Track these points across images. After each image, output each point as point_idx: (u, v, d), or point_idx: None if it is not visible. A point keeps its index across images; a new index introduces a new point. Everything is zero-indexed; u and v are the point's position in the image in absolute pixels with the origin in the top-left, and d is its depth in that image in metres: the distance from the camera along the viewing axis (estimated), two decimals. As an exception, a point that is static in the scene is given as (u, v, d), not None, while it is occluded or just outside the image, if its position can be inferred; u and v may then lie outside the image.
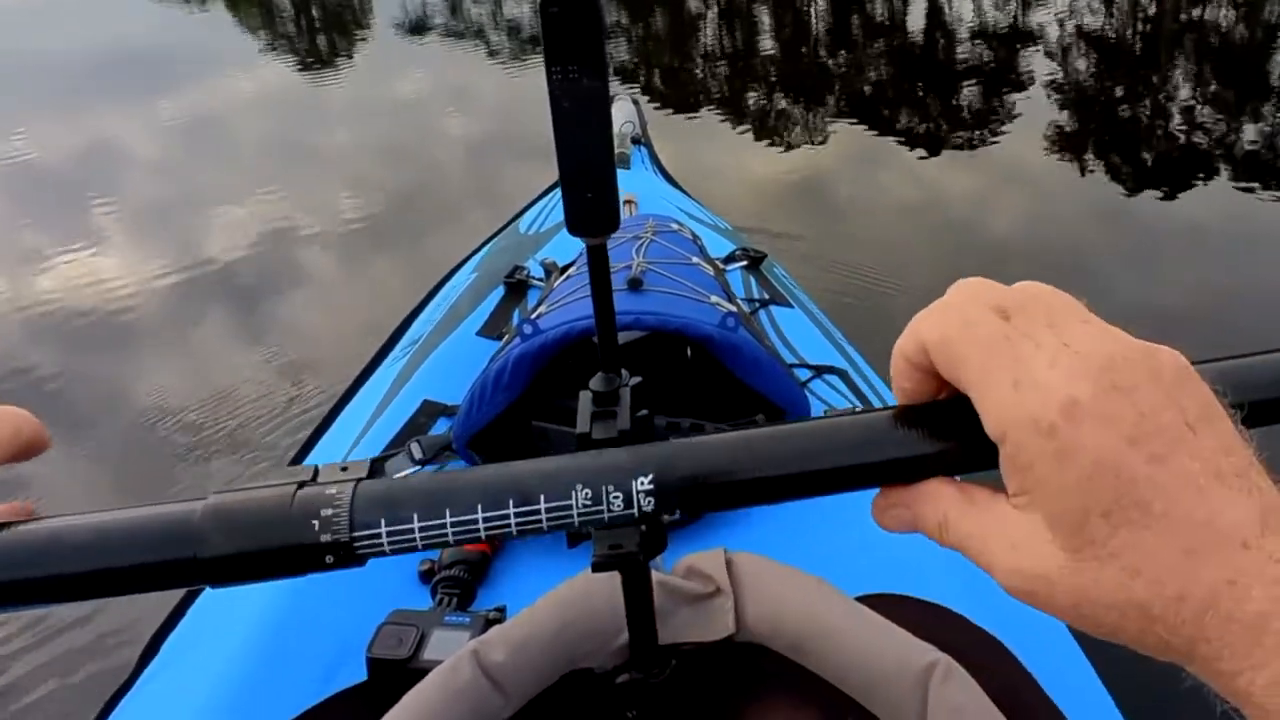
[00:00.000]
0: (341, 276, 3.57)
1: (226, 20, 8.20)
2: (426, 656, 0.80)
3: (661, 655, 0.62)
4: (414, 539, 0.32)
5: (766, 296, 1.67)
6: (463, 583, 0.97)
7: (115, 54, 6.59)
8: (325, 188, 4.29)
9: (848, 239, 3.61)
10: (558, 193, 2.33)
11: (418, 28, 7.29)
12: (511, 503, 0.32)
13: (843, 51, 6.54)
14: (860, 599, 0.68)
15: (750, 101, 5.51)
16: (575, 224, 0.43)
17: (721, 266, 1.65)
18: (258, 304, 3.32)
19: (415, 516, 0.32)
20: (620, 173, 2.26)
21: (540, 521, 0.33)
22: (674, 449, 0.33)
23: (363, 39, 7.51)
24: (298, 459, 1.40)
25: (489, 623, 0.84)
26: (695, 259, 1.43)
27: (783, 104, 5.38)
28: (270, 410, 2.68)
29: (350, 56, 6.96)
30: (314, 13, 8.28)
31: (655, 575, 0.71)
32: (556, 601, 0.69)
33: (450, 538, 0.32)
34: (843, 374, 1.44)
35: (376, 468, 1.09)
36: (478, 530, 0.32)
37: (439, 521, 0.32)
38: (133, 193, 4.41)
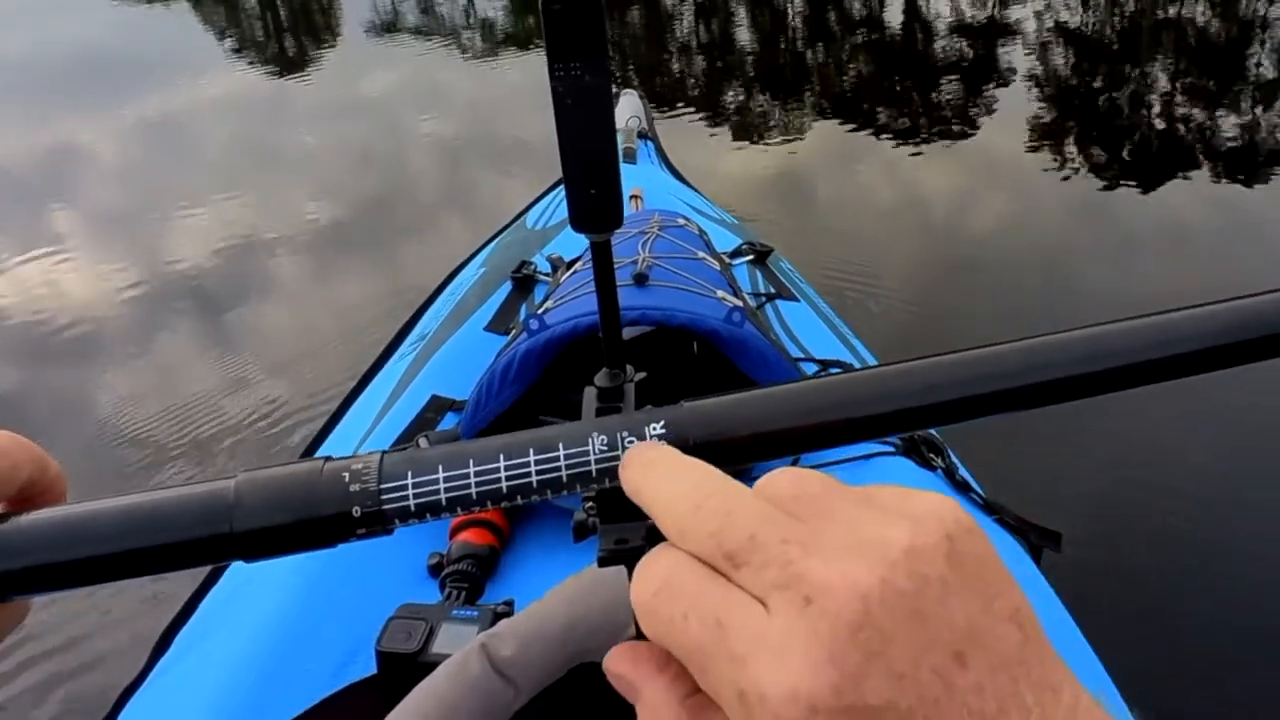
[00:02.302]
0: (309, 288, 3.51)
1: (190, 20, 8.06)
2: (435, 650, 0.81)
3: None
4: (438, 492, 0.33)
5: (773, 291, 1.67)
6: (471, 576, 0.98)
7: (76, 56, 6.48)
8: (292, 194, 4.23)
9: (824, 231, 3.62)
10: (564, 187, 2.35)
11: (388, 27, 7.17)
12: (532, 451, 0.34)
13: (820, 46, 6.52)
14: None
15: (728, 97, 5.49)
16: (579, 220, 0.43)
17: (728, 261, 1.65)
18: (221, 314, 3.28)
19: (440, 468, 0.33)
20: (627, 167, 2.27)
21: (560, 470, 0.34)
22: (684, 408, 0.35)
23: (331, 40, 7.38)
24: (307, 453, 1.42)
25: (497, 616, 0.85)
26: (701, 254, 1.43)
27: (760, 99, 5.36)
28: (234, 421, 2.66)
29: (320, 58, 6.85)
30: (281, 13, 8.14)
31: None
32: (564, 596, 0.70)
33: (473, 491, 0.33)
34: (848, 368, 1.44)
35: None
36: (499, 482, 0.33)
37: (462, 472, 0.33)
38: (95, 198, 4.35)
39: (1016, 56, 5.64)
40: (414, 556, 1.02)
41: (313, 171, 4.51)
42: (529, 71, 5.45)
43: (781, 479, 0.27)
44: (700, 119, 5.00)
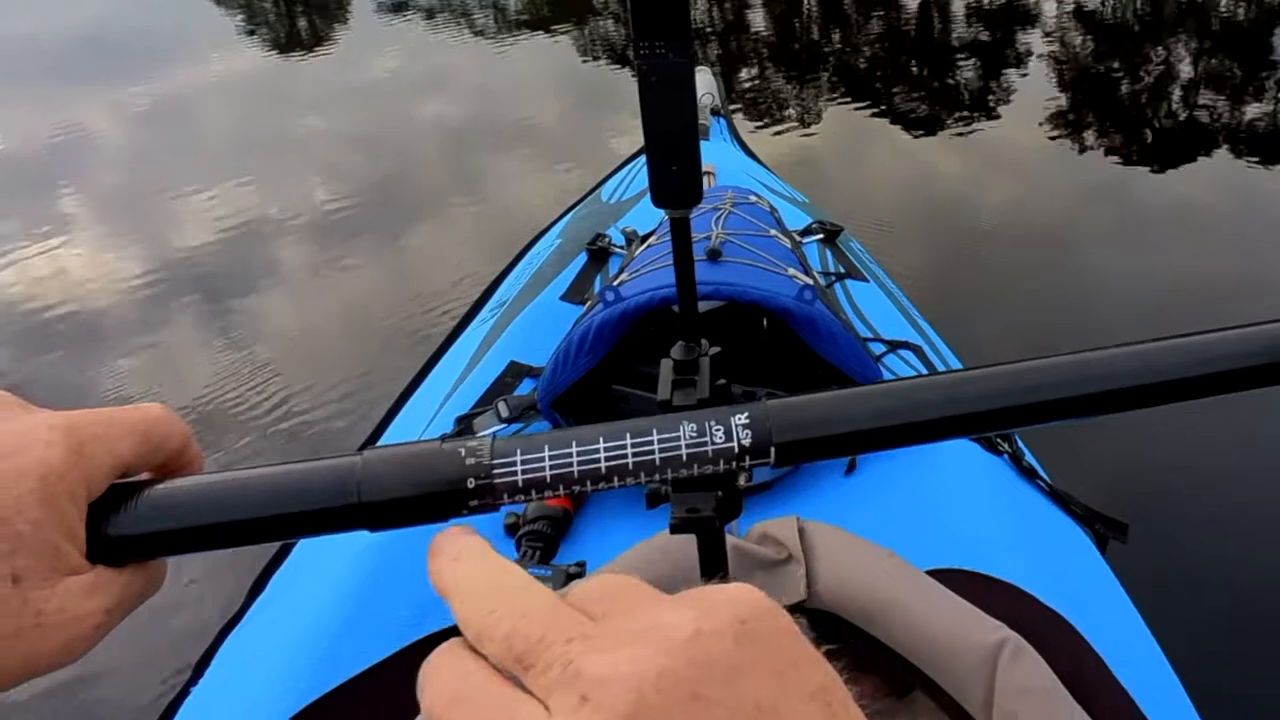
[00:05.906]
0: (315, 275, 3.41)
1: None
2: (512, 605, 0.85)
3: None
4: (544, 470, 0.36)
5: (842, 270, 1.68)
6: (545, 537, 1.02)
7: (88, 35, 6.33)
8: (301, 175, 4.12)
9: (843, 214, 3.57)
10: (638, 162, 2.33)
11: (398, 6, 6.89)
12: (629, 435, 0.36)
13: (836, 30, 6.29)
14: (930, 573, 0.70)
15: (743, 80, 5.32)
16: (659, 196, 0.45)
17: (798, 239, 1.66)
18: (227, 300, 3.22)
19: (546, 447, 0.36)
20: (700, 143, 2.28)
21: (653, 452, 0.36)
22: (768, 405, 0.38)
23: (343, 19, 7.11)
24: (396, 406, 1.48)
25: (570, 577, 0.89)
26: (773, 231, 1.44)
27: (776, 83, 5.23)
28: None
29: (330, 36, 6.63)
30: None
31: (730, 539, 0.74)
32: (634, 560, 0.73)
33: (575, 470, 0.36)
34: (917, 349, 1.45)
35: (465, 424, 1.14)
36: (599, 461, 0.36)
37: (565, 451, 0.36)
38: (103, 181, 4.27)
39: (1035, 39, 5.46)
40: (492, 515, 1.07)
41: (320, 151, 4.45)
42: (539, 52, 5.32)
43: (590, 583, 0.28)
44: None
